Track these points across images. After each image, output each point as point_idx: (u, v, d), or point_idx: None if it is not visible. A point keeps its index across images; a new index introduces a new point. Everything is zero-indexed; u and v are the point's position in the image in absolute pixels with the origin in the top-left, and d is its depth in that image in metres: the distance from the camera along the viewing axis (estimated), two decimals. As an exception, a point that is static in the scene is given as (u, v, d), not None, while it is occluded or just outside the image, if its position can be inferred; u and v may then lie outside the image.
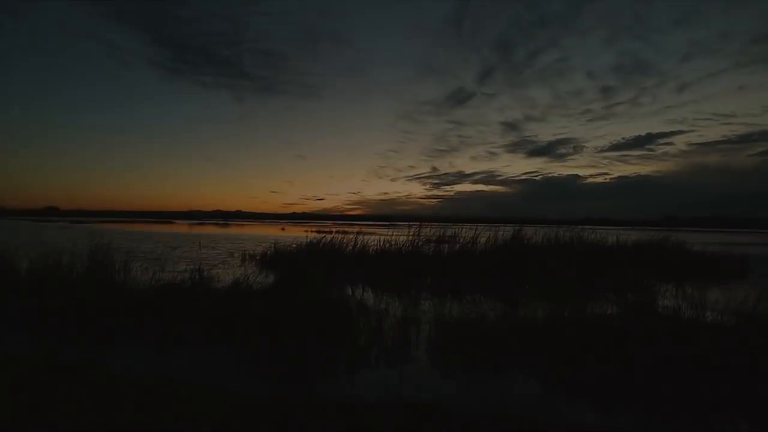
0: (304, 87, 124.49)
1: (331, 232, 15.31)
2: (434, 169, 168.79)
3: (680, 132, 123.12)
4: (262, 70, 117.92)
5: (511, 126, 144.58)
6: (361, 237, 12.39)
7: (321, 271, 8.39)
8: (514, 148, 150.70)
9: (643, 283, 9.76)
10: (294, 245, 13.09)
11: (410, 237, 11.88)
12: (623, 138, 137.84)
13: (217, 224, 61.00)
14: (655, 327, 4.29)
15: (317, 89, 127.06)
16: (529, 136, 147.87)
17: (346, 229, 18.85)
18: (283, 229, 44.50)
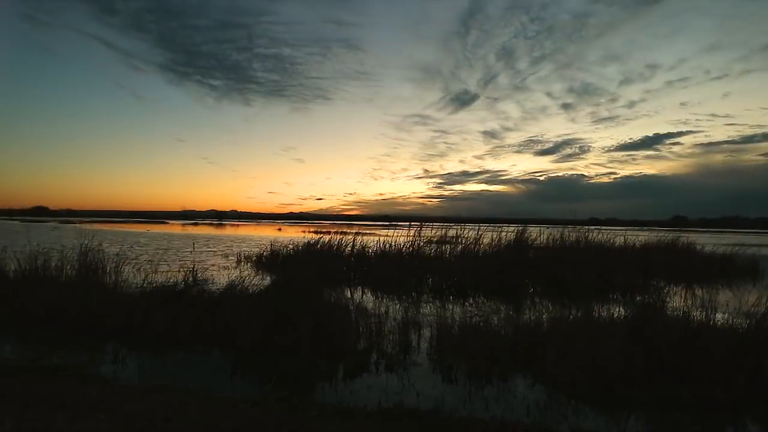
0: (313, 91, 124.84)
1: (328, 233, 15.31)
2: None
3: (688, 132, 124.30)
4: (272, 74, 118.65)
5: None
6: (359, 238, 12.38)
7: (318, 273, 8.38)
8: (521, 148, 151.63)
9: (652, 285, 9.76)
10: (291, 246, 13.09)
11: (410, 238, 11.87)
12: (630, 138, 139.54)
13: (211, 224, 60.99)
14: (665, 331, 4.29)
15: (325, 92, 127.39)
16: (534, 137, 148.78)
17: (345, 230, 18.84)
18: (279, 229, 44.49)
